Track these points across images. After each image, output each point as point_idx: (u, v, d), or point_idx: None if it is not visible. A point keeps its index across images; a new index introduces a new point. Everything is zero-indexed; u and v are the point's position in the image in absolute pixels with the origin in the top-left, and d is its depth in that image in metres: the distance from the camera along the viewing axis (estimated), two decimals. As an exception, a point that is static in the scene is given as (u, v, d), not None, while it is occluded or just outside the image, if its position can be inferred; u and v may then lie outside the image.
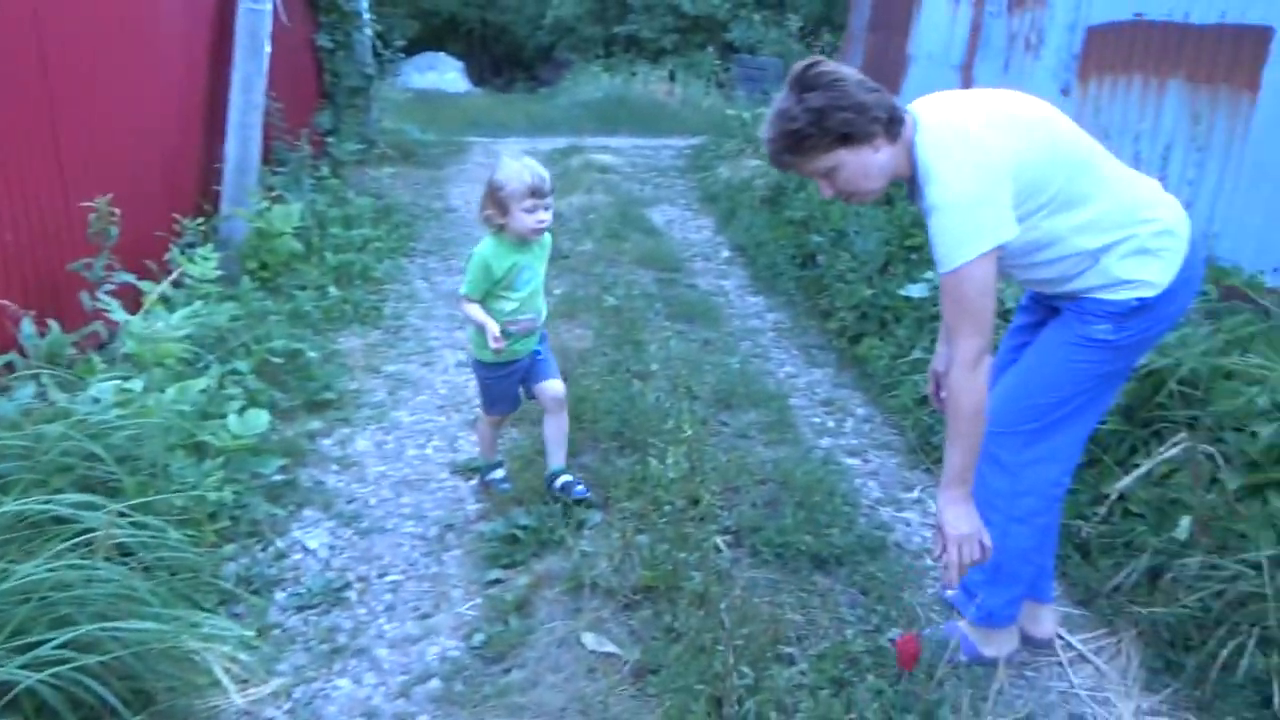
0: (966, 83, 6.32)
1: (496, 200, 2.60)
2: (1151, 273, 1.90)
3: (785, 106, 1.85)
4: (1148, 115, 4.43)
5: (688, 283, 5.30)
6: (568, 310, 4.56)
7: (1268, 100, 3.69)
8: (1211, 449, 2.39)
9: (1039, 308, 2.18)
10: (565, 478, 2.81)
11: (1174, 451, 2.39)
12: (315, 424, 3.36)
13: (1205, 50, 4.12)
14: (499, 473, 3.00)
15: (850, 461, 3.27)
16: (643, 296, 4.83)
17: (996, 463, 2.04)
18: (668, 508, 2.67)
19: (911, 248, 4.43)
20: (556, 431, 2.86)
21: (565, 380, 3.68)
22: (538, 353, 2.86)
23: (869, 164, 1.86)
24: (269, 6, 5.50)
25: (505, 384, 2.86)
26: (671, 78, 15.00)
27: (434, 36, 20.20)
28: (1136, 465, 2.65)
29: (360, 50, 8.51)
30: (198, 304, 3.38)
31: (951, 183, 1.82)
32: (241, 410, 2.99)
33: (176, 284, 3.67)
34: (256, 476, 2.87)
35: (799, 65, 1.89)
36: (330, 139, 7.47)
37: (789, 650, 2.20)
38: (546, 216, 2.64)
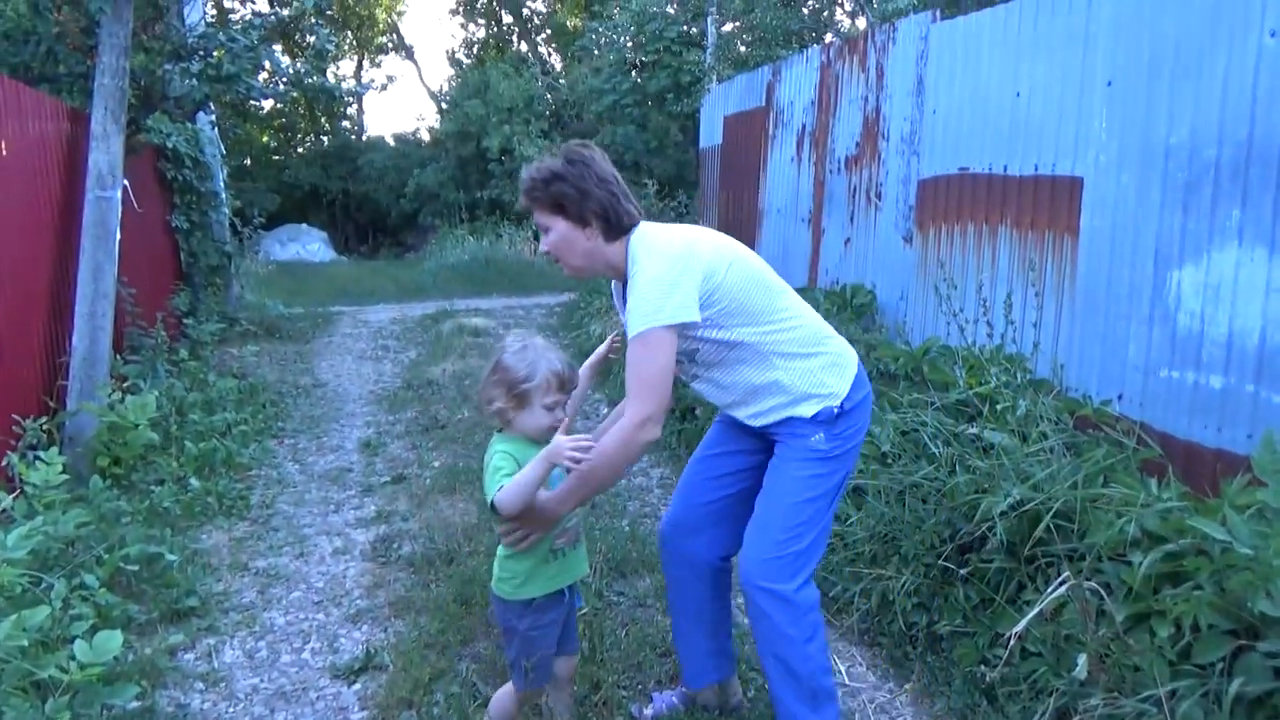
0: (817, 234, 6.72)
1: (516, 394, 2.08)
2: (837, 383, 2.24)
3: (544, 161, 2.20)
4: (985, 260, 4.79)
5: (569, 444, 5.25)
6: (448, 484, 4.43)
7: (1087, 242, 4.05)
8: (1093, 583, 2.45)
9: (737, 434, 2.43)
10: None
11: (1061, 590, 2.45)
12: (177, 637, 3.07)
13: (1026, 199, 4.52)
14: None
15: (751, 621, 3.21)
16: (525, 463, 4.74)
17: (775, 599, 2.16)
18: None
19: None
20: (569, 704, 2.42)
21: (451, 561, 3.55)
22: (576, 596, 2.33)
23: (574, 240, 2.18)
24: (118, 194, 5.38)
25: (551, 631, 2.19)
26: (536, 238, 15.38)
27: (296, 208, 20.25)
28: (1028, 603, 2.70)
29: (218, 229, 8.41)
30: (39, 519, 3.09)
31: (648, 267, 2.11)
32: (90, 632, 2.70)
33: (15, 494, 3.37)
34: (109, 709, 2.57)
35: (574, 141, 2.28)
36: (188, 320, 7.23)
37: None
38: (562, 415, 2.16)
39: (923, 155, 5.46)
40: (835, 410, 2.20)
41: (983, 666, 2.65)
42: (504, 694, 2.30)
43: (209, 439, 4.89)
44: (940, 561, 3.00)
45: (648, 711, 2.57)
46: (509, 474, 2.01)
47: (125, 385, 5.10)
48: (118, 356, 5.36)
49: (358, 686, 2.84)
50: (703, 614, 2.50)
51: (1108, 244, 3.94)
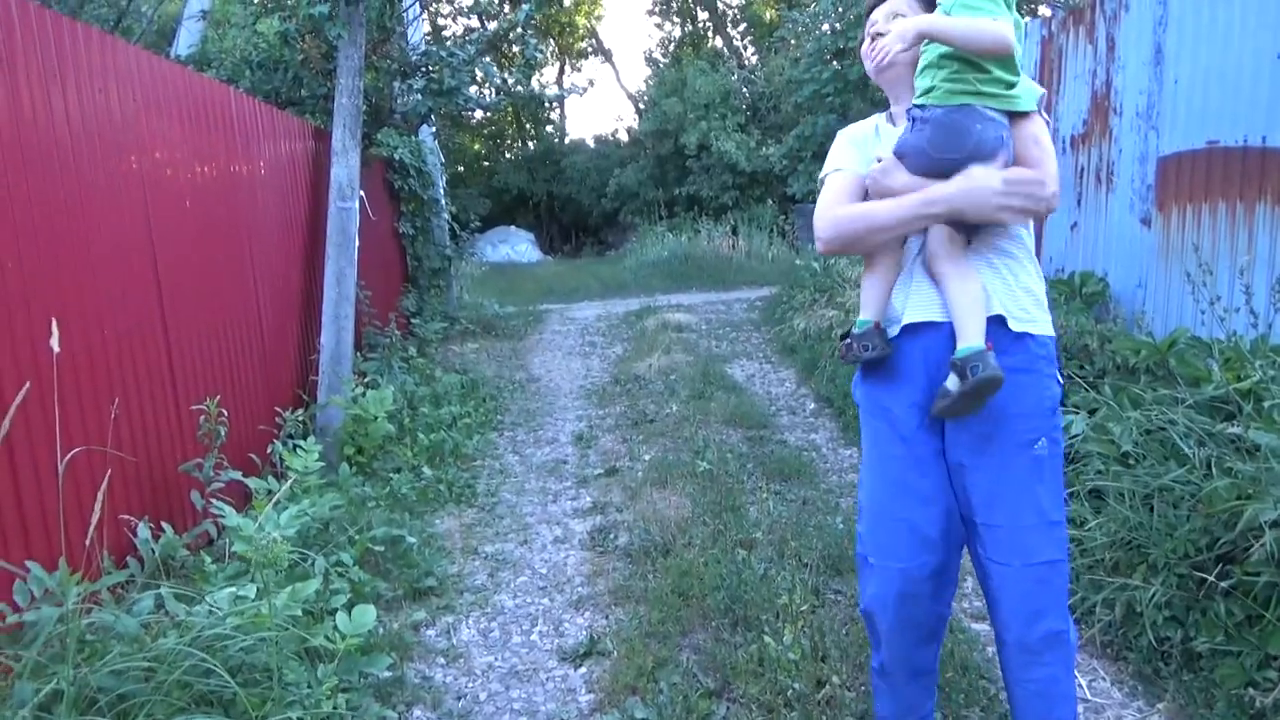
0: (1039, 219, 6.31)
1: None
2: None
3: None
4: (1240, 243, 4.33)
5: (777, 439, 5.22)
6: (659, 478, 4.51)
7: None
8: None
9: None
10: None
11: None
12: (419, 614, 3.31)
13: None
14: None
15: (978, 627, 3.07)
16: (734, 457, 4.76)
17: None
18: (791, 691, 2.52)
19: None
20: None
21: (667, 554, 3.62)
22: None
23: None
24: (356, 204, 5.86)
25: None
26: (734, 232, 15.41)
27: (505, 212, 21.32)
28: (1304, 620, 2.43)
29: (439, 234, 8.97)
30: (304, 502, 3.42)
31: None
32: (348, 606, 2.96)
33: (286, 480, 3.75)
34: (365, 676, 2.81)
35: None
36: (415, 320, 7.77)
37: None
38: None
39: (1162, 130, 5.01)
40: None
41: (1251, 690, 2.40)
42: None
43: (438, 430, 5.24)
44: (1196, 573, 2.75)
45: None
46: None
47: (365, 380, 5.55)
48: (358, 354, 5.84)
49: (584, 670, 2.95)
50: None
51: (1398, 219, 3.47)
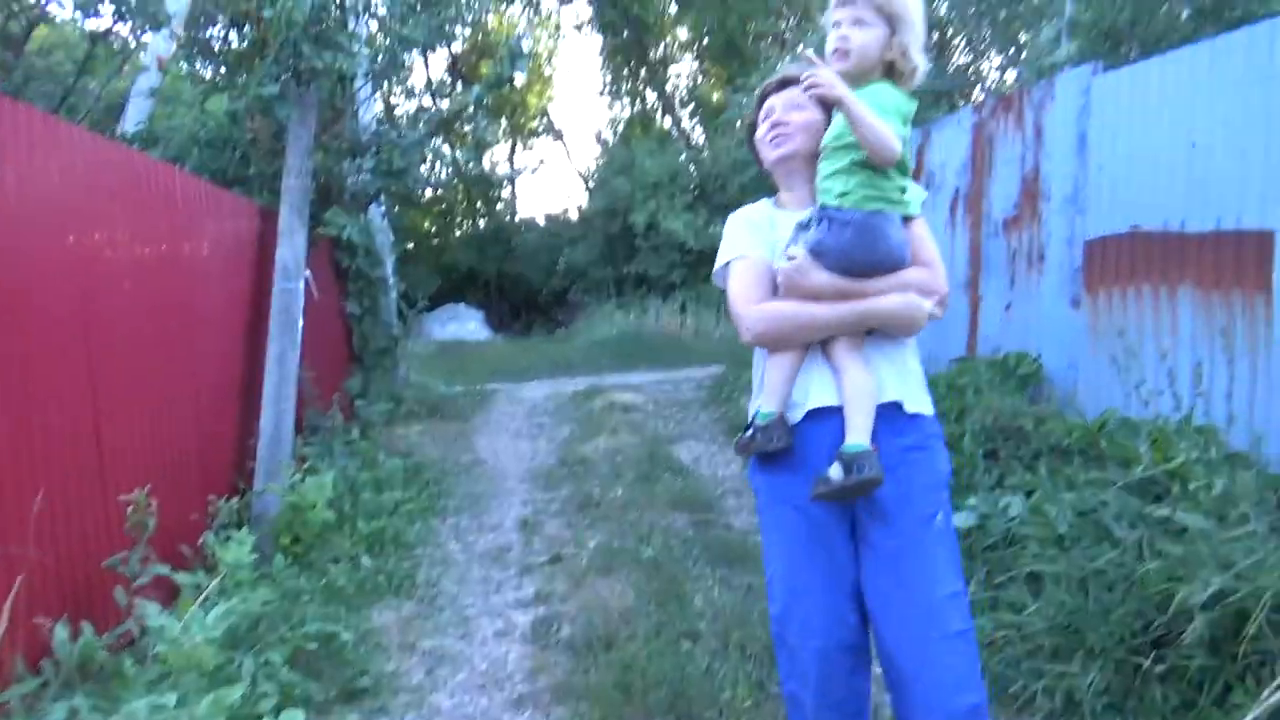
0: (974, 300, 6.50)
1: None
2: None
3: None
4: (1164, 324, 4.49)
5: (723, 522, 5.20)
6: (604, 564, 4.45)
7: (1283, 304, 3.75)
8: (1320, 689, 2.20)
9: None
10: None
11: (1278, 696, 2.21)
12: (352, 717, 3.19)
13: (1207, 257, 4.23)
14: None
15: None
16: (680, 542, 4.73)
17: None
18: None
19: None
20: None
21: (609, 647, 3.55)
22: None
23: None
24: (301, 284, 5.81)
25: None
26: (683, 310, 15.58)
27: (454, 289, 21.31)
28: (1237, 706, 2.46)
29: (387, 313, 8.91)
30: (234, 599, 3.30)
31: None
32: (276, 710, 2.85)
33: (215, 574, 3.63)
34: (292, 787, 2.69)
35: None
36: (360, 401, 7.66)
37: None
38: None
39: (1088, 214, 5.23)
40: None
41: (1191, 779, 2.40)
42: None
43: (379, 517, 5.13)
44: (1133, 657, 2.77)
45: None
46: None
47: (305, 465, 5.43)
48: (299, 437, 5.73)
49: (522, 773, 2.85)
50: None
51: (1307, 304, 3.63)
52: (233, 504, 4.50)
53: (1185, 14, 7.69)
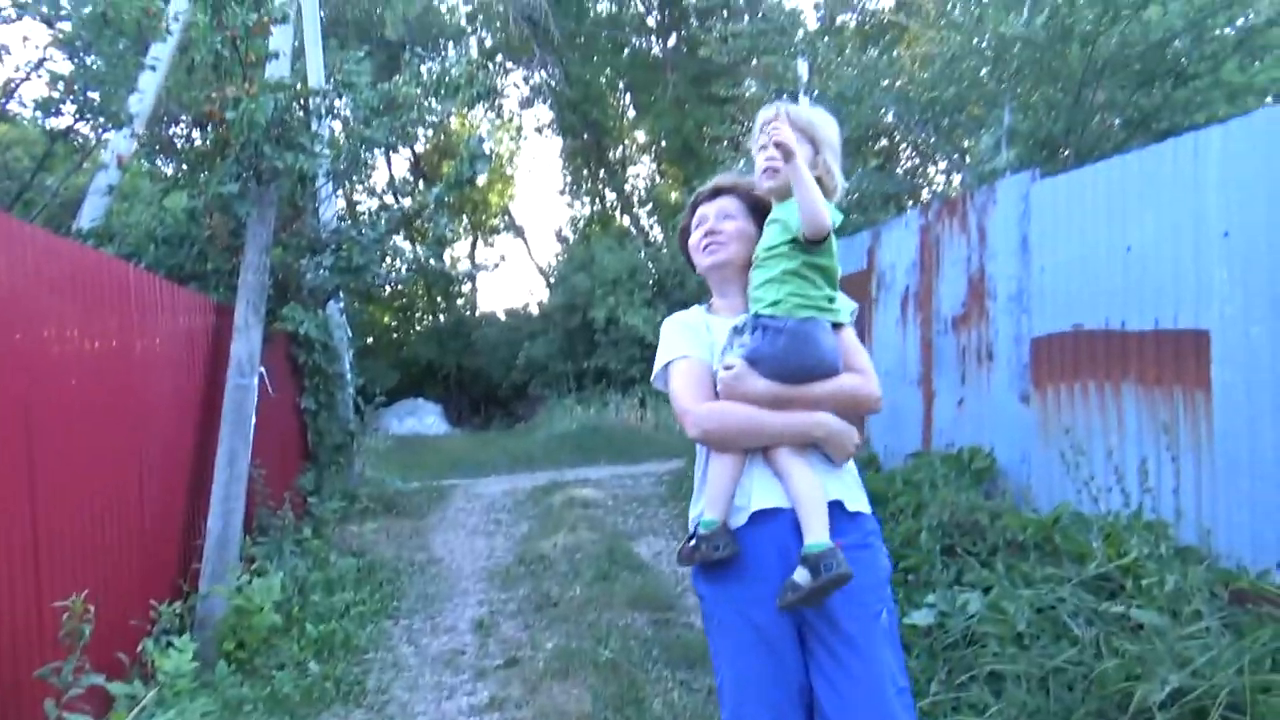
0: (928, 396, 6.61)
1: None
2: None
3: None
4: (1110, 419, 4.59)
5: (683, 621, 5.12)
6: (562, 668, 4.34)
7: (1222, 398, 3.86)
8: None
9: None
10: None
11: (1241, 796, 2.19)
12: (293, 836, 3.03)
13: (1149, 354, 4.36)
14: None
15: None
16: (639, 643, 4.63)
17: None
18: None
19: (907, 570, 4.35)
20: None
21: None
22: None
23: None
24: (255, 381, 5.75)
25: None
26: (642, 404, 15.62)
27: (413, 383, 21.19)
28: (1201, 809, 2.43)
29: (343, 409, 8.81)
30: (170, 712, 3.16)
31: None
32: (211, 832, 2.70)
33: (152, 686, 3.47)
34: None
35: None
36: (313, 498, 7.50)
37: None
38: None
39: (1033, 313, 5.38)
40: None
41: None
42: None
43: (329, 620, 4.97)
44: (1096, 759, 2.74)
45: None
46: None
47: (253, 567, 5.27)
48: (248, 537, 5.57)
49: None
50: None
51: (1245, 399, 3.75)
52: (175, 608, 4.34)
53: (1117, 123, 8.09)
